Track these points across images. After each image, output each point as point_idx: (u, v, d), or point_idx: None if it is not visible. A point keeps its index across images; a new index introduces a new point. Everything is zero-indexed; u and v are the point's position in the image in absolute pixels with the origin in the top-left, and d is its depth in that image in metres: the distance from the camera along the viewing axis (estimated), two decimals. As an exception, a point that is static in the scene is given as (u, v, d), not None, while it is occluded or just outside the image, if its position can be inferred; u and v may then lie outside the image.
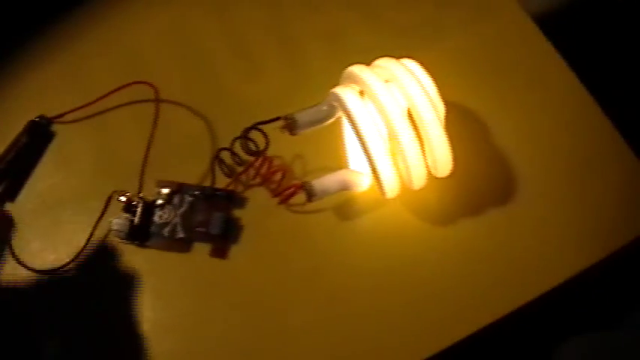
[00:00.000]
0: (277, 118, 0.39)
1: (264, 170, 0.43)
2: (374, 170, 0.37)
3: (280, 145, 0.43)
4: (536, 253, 0.43)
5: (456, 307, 0.41)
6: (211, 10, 0.52)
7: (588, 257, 0.42)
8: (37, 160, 0.47)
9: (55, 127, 0.48)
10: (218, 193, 0.44)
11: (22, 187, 0.46)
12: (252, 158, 0.43)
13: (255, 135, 0.42)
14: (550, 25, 0.48)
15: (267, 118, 0.40)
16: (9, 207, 0.45)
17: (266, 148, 0.42)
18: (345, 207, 0.44)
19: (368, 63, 0.41)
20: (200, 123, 0.47)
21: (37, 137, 0.47)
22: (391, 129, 0.36)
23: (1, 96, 0.49)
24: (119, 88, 0.46)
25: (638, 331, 0.44)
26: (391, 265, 0.42)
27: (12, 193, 0.46)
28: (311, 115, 0.38)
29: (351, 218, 0.44)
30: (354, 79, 0.38)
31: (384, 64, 0.39)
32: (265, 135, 0.42)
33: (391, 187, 0.38)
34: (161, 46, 0.50)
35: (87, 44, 0.50)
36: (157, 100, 0.46)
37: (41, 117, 0.47)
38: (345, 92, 0.37)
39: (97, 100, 0.46)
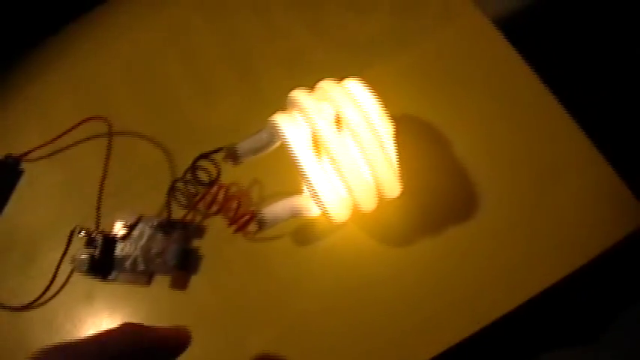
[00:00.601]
0: (220, 149, 0.39)
1: (220, 198, 0.43)
2: (315, 197, 0.37)
3: (236, 172, 0.42)
4: (501, 269, 0.41)
5: (418, 327, 0.40)
6: (169, 39, 0.52)
7: (557, 271, 0.40)
8: (8, 198, 0.48)
9: (24, 165, 0.49)
10: (174, 224, 0.44)
11: (-7, 225, 0.47)
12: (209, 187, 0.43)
13: (208, 164, 0.42)
14: (511, 28, 0.46)
15: (226, 144, 0.40)
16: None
17: (217, 177, 0.41)
18: (302, 232, 0.43)
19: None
20: (160, 153, 0.47)
21: (6, 176, 0.48)
22: (330, 156, 0.36)
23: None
24: (76, 125, 0.47)
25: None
26: (349, 288, 0.41)
27: (-17, 233, 0.47)
28: (251, 144, 0.38)
29: (308, 243, 0.43)
30: (293, 105, 0.37)
31: (325, 86, 0.38)
32: (216, 164, 0.42)
33: (337, 213, 0.37)
34: (122, 78, 0.51)
35: (49, 81, 0.51)
36: (110, 134, 0.46)
37: (8, 156, 0.48)
38: (281, 120, 0.36)
39: (58, 137, 0.47)
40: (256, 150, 0.38)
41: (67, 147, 0.48)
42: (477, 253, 0.41)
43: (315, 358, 0.40)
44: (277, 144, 0.38)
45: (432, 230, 0.42)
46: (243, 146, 0.38)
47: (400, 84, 0.46)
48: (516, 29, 0.46)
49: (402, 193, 0.38)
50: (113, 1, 0.54)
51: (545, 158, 0.43)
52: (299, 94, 0.37)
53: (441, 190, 0.43)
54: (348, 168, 0.35)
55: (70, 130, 0.47)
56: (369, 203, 0.37)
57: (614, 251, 0.41)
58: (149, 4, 0.53)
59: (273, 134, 0.37)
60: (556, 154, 0.43)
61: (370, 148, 0.35)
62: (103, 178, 0.45)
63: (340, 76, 0.40)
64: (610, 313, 0.47)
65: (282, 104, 0.39)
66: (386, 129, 0.38)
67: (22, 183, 0.49)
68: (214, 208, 0.43)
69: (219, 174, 0.41)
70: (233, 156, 0.38)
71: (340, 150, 0.35)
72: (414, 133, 0.44)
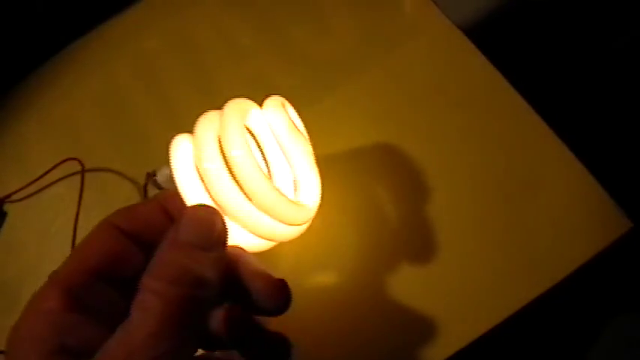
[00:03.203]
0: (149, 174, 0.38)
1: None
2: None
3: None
4: (480, 285, 0.37)
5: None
6: (137, 72, 0.52)
7: (538, 285, 0.36)
8: (-6, 240, 0.50)
9: (7, 207, 0.51)
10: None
11: (-20, 270, 0.49)
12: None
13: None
14: (481, 34, 0.42)
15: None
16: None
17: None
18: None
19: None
20: (132, 188, 0.47)
21: (-9, 219, 0.50)
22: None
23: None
24: (52, 168, 0.48)
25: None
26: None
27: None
28: (168, 171, 0.36)
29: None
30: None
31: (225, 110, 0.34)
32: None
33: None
34: (93, 115, 0.52)
35: (24, 124, 0.53)
36: (83, 174, 0.47)
37: (-10, 199, 0.50)
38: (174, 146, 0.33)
39: (37, 179, 0.49)
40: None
41: (46, 187, 0.50)
42: (454, 271, 0.38)
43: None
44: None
45: (406, 250, 0.39)
46: (162, 173, 0.36)
47: (368, 101, 0.44)
48: (486, 35, 0.42)
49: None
50: (81, 40, 0.56)
51: (521, 168, 0.39)
52: (199, 124, 0.33)
53: (417, 206, 0.40)
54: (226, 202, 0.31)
55: (47, 172, 0.49)
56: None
57: (598, 262, 0.36)
58: (117, 38, 0.55)
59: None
60: (533, 164, 0.39)
61: (249, 176, 0.30)
62: (77, 216, 0.46)
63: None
64: (594, 326, 0.41)
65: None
66: (297, 147, 0.34)
67: (6, 225, 0.50)
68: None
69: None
70: (154, 183, 0.36)
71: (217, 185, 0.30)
72: (386, 148, 0.42)
